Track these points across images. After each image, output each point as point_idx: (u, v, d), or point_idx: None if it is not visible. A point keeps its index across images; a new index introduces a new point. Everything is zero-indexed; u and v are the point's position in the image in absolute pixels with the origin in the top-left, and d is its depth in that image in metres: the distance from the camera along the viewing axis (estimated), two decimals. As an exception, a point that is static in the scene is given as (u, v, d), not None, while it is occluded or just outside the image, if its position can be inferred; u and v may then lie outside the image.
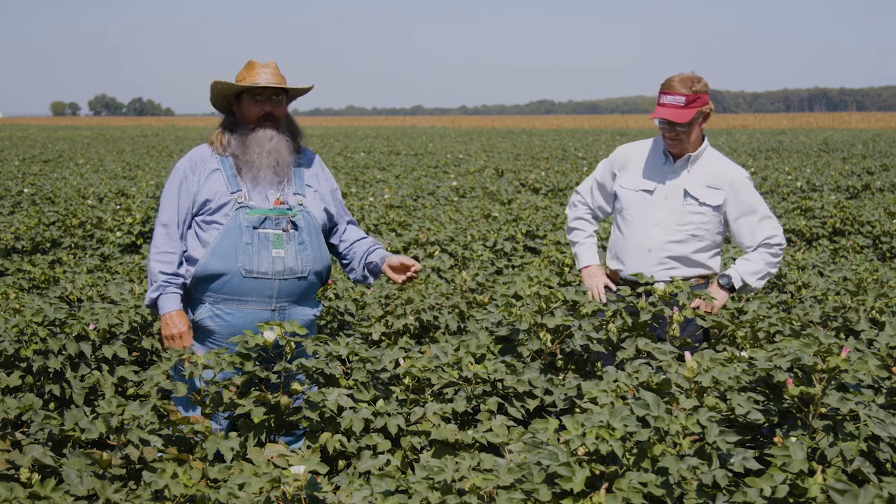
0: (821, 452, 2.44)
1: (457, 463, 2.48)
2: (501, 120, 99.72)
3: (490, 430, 2.83)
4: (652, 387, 2.74)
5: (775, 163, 19.38)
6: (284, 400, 2.86)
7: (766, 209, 3.87)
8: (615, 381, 2.85)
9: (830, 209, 9.44)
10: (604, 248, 5.98)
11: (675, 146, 3.83)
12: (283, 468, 2.41)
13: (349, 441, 2.80)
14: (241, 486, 2.35)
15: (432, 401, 3.01)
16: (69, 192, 11.76)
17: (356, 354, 3.09)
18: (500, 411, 3.06)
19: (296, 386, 2.91)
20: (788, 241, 8.71)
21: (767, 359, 2.69)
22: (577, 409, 3.01)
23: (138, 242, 8.45)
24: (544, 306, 3.47)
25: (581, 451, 2.30)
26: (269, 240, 3.44)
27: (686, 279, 3.84)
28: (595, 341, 3.35)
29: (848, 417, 2.53)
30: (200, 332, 3.49)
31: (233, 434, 2.71)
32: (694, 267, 3.87)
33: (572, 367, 3.45)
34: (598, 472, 2.27)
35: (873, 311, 4.25)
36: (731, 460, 2.34)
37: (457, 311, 4.65)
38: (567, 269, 6.26)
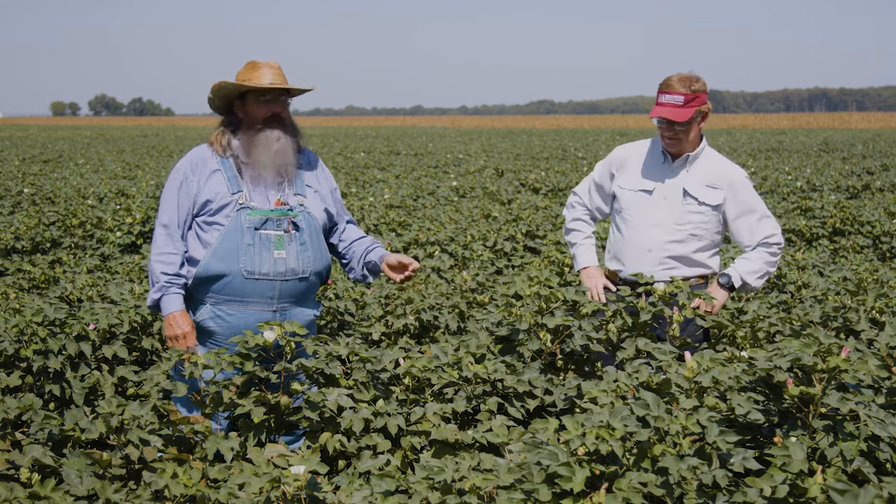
0: (821, 452, 2.44)
1: (457, 463, 2.48)
2: (501, 120, 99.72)
3: (490, 430, 2.83)
4: (652, 387, 2.74)
5: (775, 163, 19.38)
6: (284, 400, 2.86)
7: (764, 208, 3.88)
8: (615, 381, 2.85)
9: (830, 209, 9.44)
10: (602, 248, 5.98)
11: (674, 145, 3.83)
12: (283, 468, 2.41)
13: (349, 441, 2.80)
14: (241, 486, 2.35)
15: (432, 401, 3.01)
16: (69, 192, 11.76)
17: (356, 354, 3.09)
18: (500, 411, 3.06)
19: (296, 386, 2.91)
20: (788, 241, 8.71)
21: (767, 359, 2.69)
22: (577, 409, 3.01)
23: (138, 242, 8.45)
24: (544, 306, 3.47)
25: (581, 451, 2.30)
26: (271, 241, 3.44)
27: (686, 279, 3.84)
28: (595, 341, 3.35)
29: (848, 417, 2.53)
30: (201, 333, 3.48)
31: (233, 434, 2.71)
32: (694, 267, 3.87)
33: (572, 367, 3.45)
34: (598, 472, 2.27)
35: (873, 311, 4.25)
36: (731, 460, 2.34)
37: (457, 311, 4.65)
38: (567, 269, 6.26)
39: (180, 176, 3.49)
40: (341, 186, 13.35)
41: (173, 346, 3.38)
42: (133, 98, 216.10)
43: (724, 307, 4.25)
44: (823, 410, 2.52)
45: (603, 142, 30.83)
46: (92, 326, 3.77)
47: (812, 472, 2.35)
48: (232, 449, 2.60)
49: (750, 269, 3.85)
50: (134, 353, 4.12)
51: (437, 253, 6.95)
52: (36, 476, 2.41)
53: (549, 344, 3.34)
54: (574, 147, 27.28)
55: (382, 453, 2.74)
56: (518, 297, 3.63)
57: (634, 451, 2.33)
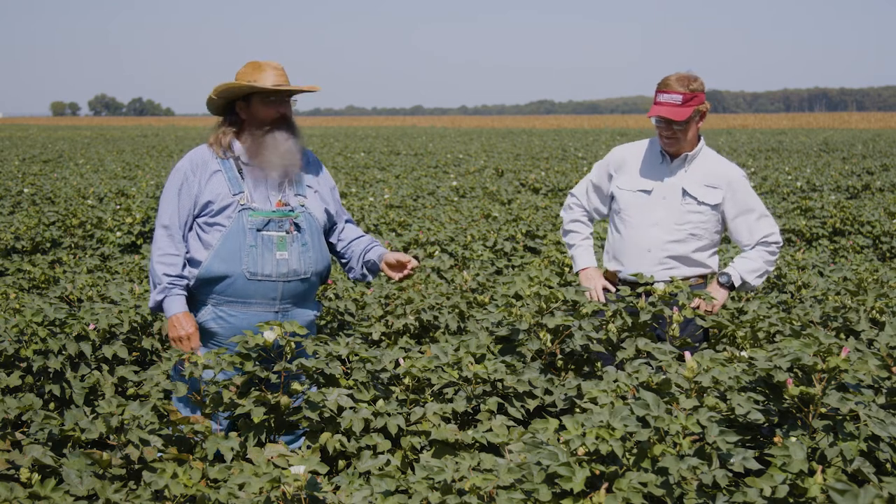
0: (821, 452, 2.44)
1: (457, 463, 2.48)
2: (501, 120, 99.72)
3: (490, 430, 2.83)
4: (652, 387, 2.74)
5: (775, 163, 19.38)
6: (284, 400, 2.86)
7: (762, 208, 3.89)
8: (615, 381, 2.85)
9: (830, 209, 9.44)
10: (601, 249, 5.97)
11: (672, 145, 3.83)
12: (283, 468, 2.41)
13: (349, 441, 2.80)
14: (241, 486, 2.35)
15: (432, 401, 3.01)
16: (69, 192, 11.76)
17: (356, 354, 3.09)
18: (500, 411, 3.06)
19: (296, 386, 2.91)
20: (788, 241, 8.71)
21: (767, 359, 2.69)
22: (577, 409, 3.01)
23: (138, 242, 8.45)
24: (544, 306, 3.47)
25: (581, 451, 2.30)
26: (273, 242, 3.43)
27: (685, 279, 3.84)
28: (595, 341, 3.35)
29: (848, 417, 2.53)
30: (203, 334, 3.47)
31: (233, 434, 2.71)
32: (693, 266, 3.88)
33: (572, 367, 3.45)
34: (598, 472, 2.27)
35: (873, 311, 4.25)
36: (731, 460, 2.34)
37: (457, 311, 4.65)
38: (567, 270, 6.26)
39: (180, 177, 3.47)
40: (341, 187, 13.35)
41: (177, 348, 3.37)
42: (133, 98, 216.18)
43: (724, 307, 4.25)
44: (823, 410, 2.52)
45: (603, 142, 30.83)
46: (92, 326, 3.77)
47: (812, 472, 2.35)
48: (232, 449, 2.60)
49: (749, 267, 3.85)
50: (134, 353, 4.12)
51: (437, 253, 6.95)
52: (36, 476, 2.41)
53: (549, 344, 3.34)
54: (574, 147, 27.28)
55: (382, 453, 2.73)
56: (518, 297, 3.63)
57: (634, 451, 2.33)
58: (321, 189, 3.64)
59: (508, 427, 2.84)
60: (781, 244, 3.92)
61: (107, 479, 2.48)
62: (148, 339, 4.11)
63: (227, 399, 2.86)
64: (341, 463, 2.83)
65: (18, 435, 2.88)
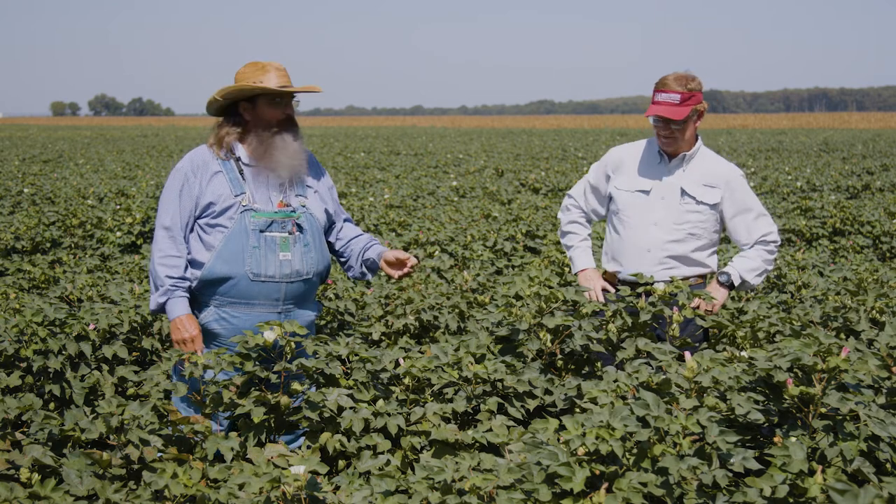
0: (821, 452, 2.43)
1: (457, 463, 2.48)
2: (501, 120, 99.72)
3: (490, 430, 2.83)
4: (652, 387, 2.74)
5: (775, 163, 19.38)
6: (284, 400, 2.86)
7: (760, 207, 3.90)
8: (615, 381, 2.85)
9: (830, 209, 9.44)
10: (599, 249, 5.96)
11: (670, 144, 3.83)
12: (283, 468, 2.41)
13: (349, 441, 2.80)
14: (241, 486, 2.35)
15: (432, 401, 3.00)
16: (69, 192, 11.76)
17: (356, 354, 3.09)
18: (500, 411, 3.05)
19: (296, 386, 2.91)
20: (788, 241, 8.71)
21: (767, 359, 2.69)
22: (577, 409, 3.01)
23: (138, 242, 8.45)
24: (544, 306, 3.47)
25: (581, 451, 2.30)
26: (276, 243, 3.43)
27: (685, 278, 3.84)
28: (595, 341, 3.35)
29: (848, 417, 2.53)
30: (206, 335, 3.46)
31: (233, 434, 2.71)
32: (693, 266, 3.88)
33: (572, 367, 3.45)
34: (598, 472, 2.27)
35: (873, 311, 4.25)
36: (731, 460, 2.34)
37: (457, 311, 4.65)
38: (567, 270, 6.26)
39: (181, 178, 3.45)
40: (341, 187, 13.35)
41: (181, 350, 3.36)
42: (133, 98, 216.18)
43: (724, 307, 4.25)
44: (823, 410, 2.52)
45: (603, 142, 30.83)
46: (92, 326, 3.77)
47: (812, 472, 2.35)
48: (232, 449, 2.60)
49: (748, 266, 3.86)
50: (134, 353, 4.12)
51: (437, 253, 6.94)
52: (36, 476, 2.41)
53: (549, 344, 3.34)
54: (574, 147, 27.28)
55: (382, 453, 2.73)
56: (518, 297, 3.63)
57: (634, 451, 2.33)
58: (321, 189, 3.64)
59: (508, 427, 2.84)
60: (780, 243, 3.94)
61: (107, 479, 2.48)
62: (148, 339, 4.11)
63: (227, 399, 2.86)
64: (341, 463, 2.83)
65: (18, 435, 2.88)
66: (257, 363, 2.96)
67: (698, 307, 3.69)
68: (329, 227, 3.70)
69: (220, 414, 2.97)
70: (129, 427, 2.58)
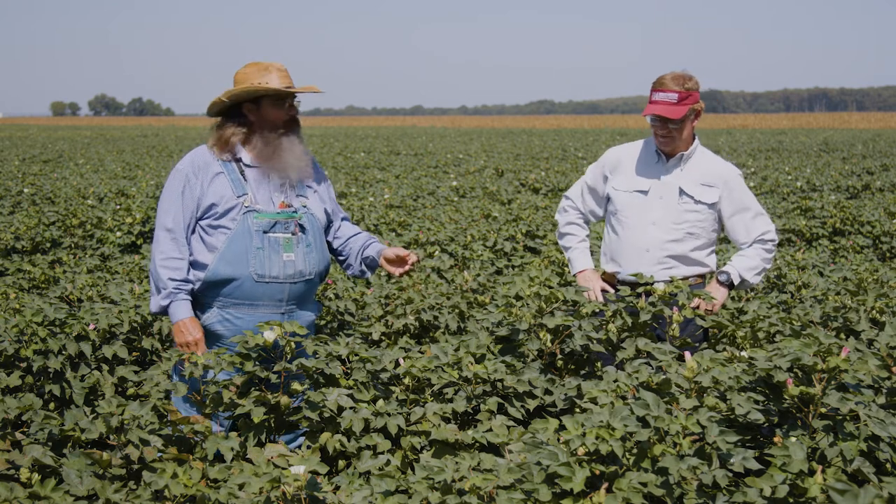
0: (821, 452, 2.43)
1: (457, 463, 2.48)
2: (501, 120, 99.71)
3: (490, 430, 2.83)
4: (652, 387, 2.74)
5: (775, 163, 19.38)
6: (284, 400, 2.86)
7: (758, 206, 3.92)
8: (615, 381, 2.85)
9: (830, 209, 9.43)
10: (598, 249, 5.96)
11: (668, 143, 3.84)
12: (283, 468, 2.41)
13: (349, 441, 2.80)
14: (241, 486, 2.35)
15: (432, 401, 3.00)
16: (69, 192, 11.76)
17: (356, 354, 3.09)
18: (500, 411, 3.05)
19: (296, 386, 2.91)
20: (788, 241, 8.71)
21: (767, 359, 2.69)
22: (577, 409, 3.01)
23: (138, 242, 8.45)
24: (544, 306, 3.47)
25: (581, 451, 2.30)
26: (280, 244, 3.43)
27: (685, 278, 3.85)
28: (595, 341, 3.35)
29: (848, 417, 2.53)
30: (208, 337, 3.46)
31: (233, 434, 2.71)
32: (692, 265, 3.88)
33: (572, 367, 3.45)
34: (598, 472, 2.27)
35: (873, 311, 4.25)
36: (731, 460, 2.34)
37: (457, 311, 4.65)
38: (567, 270, 6.26)
39: (182, 179, 3.44)
40: (341, 186, 13.35)
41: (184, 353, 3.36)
42: (133, 98, 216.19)
43: (724, 307, 4.25)
44: (823, 410, 2.52)
45: (603, 142, 30.83)
46: (92, 326, 3.77)
47: (812, 472, 2.35)
48: (232, 449, 2.60)
49: (748, 265, 3.87)
50: (134, 353, 4.12)
51: (437, 253, 6.94)
52: (36, 476, 2.41)
53: (549, 344, 3.34)
54: (574, 147, 27.28)
55: (382, 453, 2.73)
56: (518, 297, 3.63)
57: (634, 451, 2.33)
58: (320, 188, 3.64)
59: (508, 427, 2.84)
60: (777, 242, 3.95)
61: (107, 479, 2.48)
62: (148, 339, 4.11)
63: (227, 399, 2.86)
64: (341, 463, 2.83)
65: (18, 435, 2.88)
66: (257, 363, 2.96)
67: (698, 307, 3.69)
68: (327, 226, 3.70)
69: (220, 414, 2.97)
70: (129, 427, 2.58)
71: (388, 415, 2.81)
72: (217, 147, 3.47)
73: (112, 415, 2.56)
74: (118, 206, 9.53)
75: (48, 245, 8.25)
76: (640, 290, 3.69)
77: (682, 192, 3.84)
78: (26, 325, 3.61)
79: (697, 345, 3.70)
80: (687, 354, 2.77)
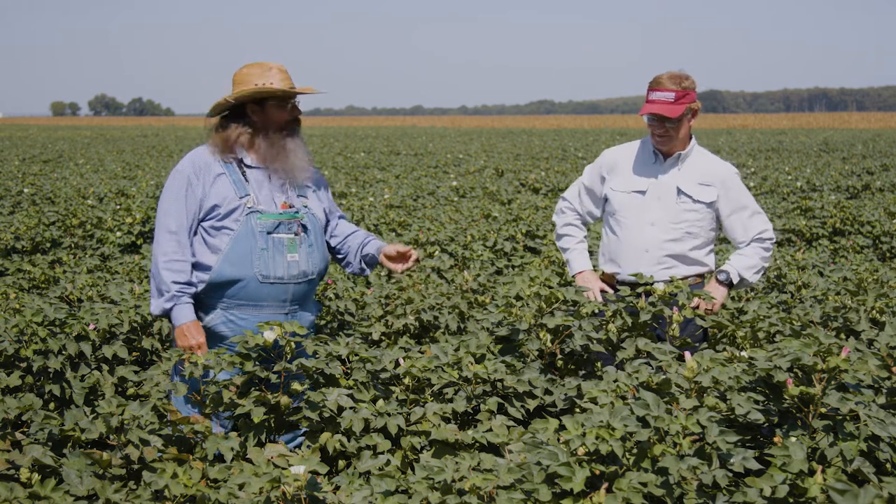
0: (821, 452, 2.43)
1: (457, 463, 2.48)
2: (501, 120, 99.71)
3: (490, 430, 2.83)
4: (652, 387, 2.74)
5: (775, 163, 19.38)
6: (284, 400, 2.86)
7: (755, 205, 3.93)
8: (615, 381, 2.85)
9: (830, 209, 9.43)
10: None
11: (665, 143, 3.84)
12: (283, 468, 2.41)
13: (349, 441, 2.80)
14: (241, 486, 2.35)
15: (432, 401, 3.00)
16: (69, 192, 11.76)
17: (356, 354, 3.09)
18: (500, 411, 3.05)
19: (296, 386, 2.91)
20: (788, 240, 8.71)
21: (767, 359, 2.69)
22: (577, 409, 3.01)
23: (138, 242, 8.45)
24: (544, 306, 3.47)
25: (581, 451, 2.30)
26: (284, 244, 3.43)
27: (684, 278, 3.85)
28: (595, 341, 3.35)
29: (848, 417, 2.53)
30: (212, 338, 3.45)
31: (233, 434, 2.71)
32: (692, 265, 3.89)
33: (572, 367, 3.45)
34: (598, 472, 2.27)
35: (873, 312, 4.25)
36: (731, 460, 2.34)
37: (457, 311, 4.65)
38: (566, 270, 6.26)
39: (184, 180, 3.42)
40: (341, 186, 13.35)
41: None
42: (133, 98, 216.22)
43: (723, 307, 4.25)
44: (823, 410, 2.52)
45: (603, 142, 30.83)
46: (92, 326, 3.77)
47: (812, 472, 2.35)
48: (232, 449, 2.60)
49: (746, 264, 3.88)
50: (134, 353, 4.12)
51: (437, 253, 6.94)
52: (36, 476, 2.41)
53: (549, 344, 3.34)
54: (574, 147, 27.28)
55: (382, 453, 2.73)
56: (518, 297, 3.63)
57: (634, 451, 2.33)
58: (317, 188, 3.65)
59: (508, 427, 2.84)
60: (775, 240, 3.96)
61: (107, 479, 2.48)
62: (148, 339, 4.11)
63: (227, 399, 2.86)
64: (341, 463, 2.83)
65: (18, 435, 2.88)
66: (257, 363, 2.96)
67: (698, 307, 3.70)
68: (325, 225, 3.70)
69: (220, 414, 2.97)
70: (129, 427, 2.58)
71: (388, 415, 2.81)
72: (221, 148, 3.46)
73: (112, 415, 2.56)
74: (118, 206, 9.53)
75: (48, 245, 8.25)
76: (640, 290, 3.69)
77: (679, 191, 3.84)
78: (26, 325, 3.61)
79: (697, 345, 3.70)
80: (687, 354, 2.77)
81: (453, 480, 2.39)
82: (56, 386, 3.60)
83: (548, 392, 3.12)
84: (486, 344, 3.31)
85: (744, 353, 3.07)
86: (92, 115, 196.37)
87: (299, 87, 3.49)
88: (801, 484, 2.27)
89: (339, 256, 3.75)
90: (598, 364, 3.43)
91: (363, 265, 3.69)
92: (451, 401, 3.01)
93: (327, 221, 3.70)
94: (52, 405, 3.63)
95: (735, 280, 3.85)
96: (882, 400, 2.77)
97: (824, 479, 2.30)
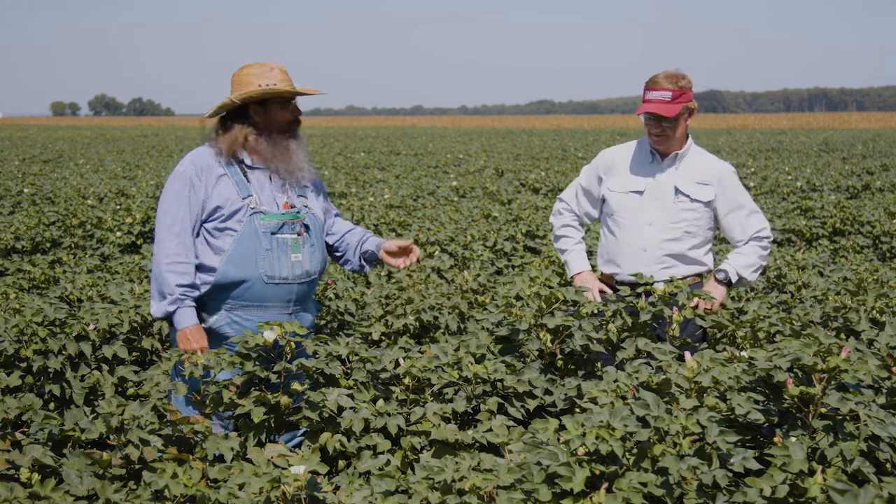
0: (821, 452, 2.43)
1: (457, 463, 2.48)
2: (501, 120, 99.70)
3: (490, 430, 2.83)
4: (652, 387, 2.74)
5: (775, 163, 19.38)
6: (284, 400, 2.86)
7: (752, 203, 3.94)
8: (615, 381, 2.85)
9: (830, 209, 9.43)
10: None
11: (662, 142, 3.84)
12: (283, 468, 2.41)
13: (349, 441, 2.80)
14: (241, 486, 2.35)
15: (432, 401, 3.00)
16: (69, 192, 11.76)
17: (356, 354, 3.09)
18: (500, 411, 3.05)
19: (296, 386, 2.91)
20: (788, 241, 8.71)
21: (767, 359, 2.69)
22: (577, 409, 3.01)
23: (138, 242, 8.44)
24: (544, 306, 3.47)
25: (581, 451, 2.30)
26: (288, 245, 3.43)
27: (683, 277, 3.85)
28: (595, 341, 3.35)
29: (848, 417, 2.53)
30: (216, 339, 3.44)
31: (233, 434, 2.71)
32: (690, 264, 3.89)
33: (572, 367, 3.45)
34: (598, 472, 2.27)
35: (873, 311, 4.25)
36: (731, 460, 2.34)
37: (457, 311, 4.65)
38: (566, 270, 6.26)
39: (186, 181, 3.40)
40: (341, 186, 13.35)
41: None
42: (133, 98, 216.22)
43: (723, 307, 4.25)
44: (823, 410, 2.52)
45: (603, 142, 30.83)
46: (92, 326, 3.77)
47: (812, 472, 2.35)
48: (232, 449, 2.60)
49: (745, 263, 3.88)
50: (134, 353, 4.12)
51: (437, 253, 6.94)
52: (36, 476, 2.41)
53: (549, 344, 3.34)
54: (574, 147, 27.27)
55: (382, 453, 2.73)
56: (518, 297, 3.63)
57: (634, 451, 2.33)
58: (316, 188, 3.65)
59: (508, 427, 2.84)
60: (773, 239, 3.96)
61: (107, 479, 2.48)
62: (148, 339, 4.11)
63: (227, 399, 2.86)
64: (341, 463, 2.83)
65: (18, 435, 2.88)
66: (257, 363, 2.96)
67: (697, 306, 3.70)
68: (323, 224, 3.70)
69: (220, 414, 2.97)
70: (129, 427, 2.58)
71: (388, 415, 2.81)
72: (228, 149, 3.45)
73: (112, 415, 2.56)
74: (118, 206, 9.53)
75: (48, 245, 8.25)
76: (640, 290, 3.69)
77: (677, 191, 3.85)
78: (26, 325, 3.61)
79: (697, 345, 3.70)
80: (687, 354, 2.77)
81: (453, 480, 2.39)
82: (56, 386, 3.60)
83: (548, 392, 3.12)
84: (486, 344, 3.31)
85: (744, 353, 3.07)
86: (92, 115, 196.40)
87: (301, 88, 3.50)
88: (801, 484, 2.27)
89: (338, 254, 3.75)
90: (598, 364, 3.43)
91: (362, 262, 3.69)
92: (451, 401, 3.01)
93: (324, 220, 3.71)
94: (52, 405, 3.63)
95: (734, 279, 3.86)
96: (882, 400, 2.77)
97: (824, 479, 2.30)
